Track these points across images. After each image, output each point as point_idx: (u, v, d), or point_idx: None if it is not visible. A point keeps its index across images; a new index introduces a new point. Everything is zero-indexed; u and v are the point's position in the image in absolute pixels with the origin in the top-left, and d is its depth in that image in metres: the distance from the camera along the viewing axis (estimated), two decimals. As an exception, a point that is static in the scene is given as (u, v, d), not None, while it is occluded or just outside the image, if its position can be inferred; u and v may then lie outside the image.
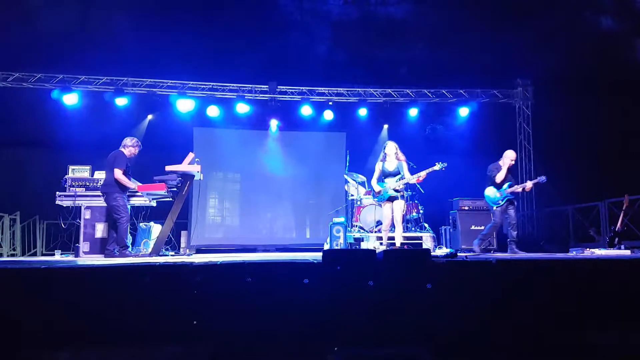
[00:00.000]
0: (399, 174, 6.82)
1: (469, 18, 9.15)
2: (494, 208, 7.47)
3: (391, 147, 6.91)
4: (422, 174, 6.75)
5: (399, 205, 6.78)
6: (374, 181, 7.01)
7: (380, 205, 7.65)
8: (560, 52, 9.35)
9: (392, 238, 7.08)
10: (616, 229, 7.51)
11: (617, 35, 9.28)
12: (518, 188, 7.49)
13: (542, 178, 7.39)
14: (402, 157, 6.91)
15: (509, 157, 7.52)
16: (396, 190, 6.78)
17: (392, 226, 6.95)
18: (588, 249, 7.26)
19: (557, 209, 10.61)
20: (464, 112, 11.63)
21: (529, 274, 4.24)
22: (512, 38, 9.31)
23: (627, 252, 6.84)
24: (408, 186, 9.10)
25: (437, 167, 6.80)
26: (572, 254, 7.07)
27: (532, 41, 9.35)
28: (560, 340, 3.92)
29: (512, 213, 7.40)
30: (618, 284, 4.16)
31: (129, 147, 6.78)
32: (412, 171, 7.03)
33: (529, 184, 7.61)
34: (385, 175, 6.88)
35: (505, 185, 7.42)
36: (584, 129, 10.29)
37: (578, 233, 10.29)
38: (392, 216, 6.84)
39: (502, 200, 7.40)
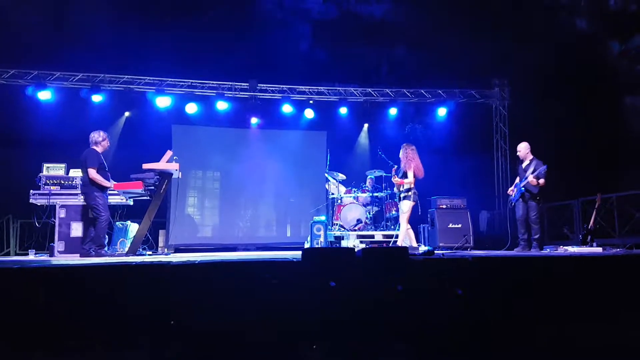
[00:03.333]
0: (402, 177, 7.23)
1: (447, 19, 9.25)
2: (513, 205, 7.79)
3: (401, 152, 7.31)
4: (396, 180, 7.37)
5: (401, 205, 7.22)
6: None
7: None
8: (537, 53, 9.51)
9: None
10: (589, 227, 7.67)
11: (591, 39, 9.48)
12: (528, 181, 7.51)
13: (540, 169, 7.38)
14: (407, 159, 7.17)
15: (518, 151, 7.85)
16: (400, 191, 7.24)
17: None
18: (562, 247, 7.42)
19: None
20: (442, 112, 11.76)
21: (504, 271, 4.32)
22: (489, 39, 9.44)
23: (599, 250, 7.01)
24: (389, 185, 9.26)
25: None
26: (546, 251, 7.23)
27: (509, 42, 9.49)
28: (535, 335, 4.00)
29: (529, 209, 7.49)
30: (591, 281, 4.27)
31: (100, 142, 6.64)
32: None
33: (530, 178, 7.49)
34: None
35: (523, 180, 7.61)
36: (558, 129, 10.48)
37: (552, 231, 10.50)
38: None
39: (518, 194, 7.63)
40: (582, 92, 10.52)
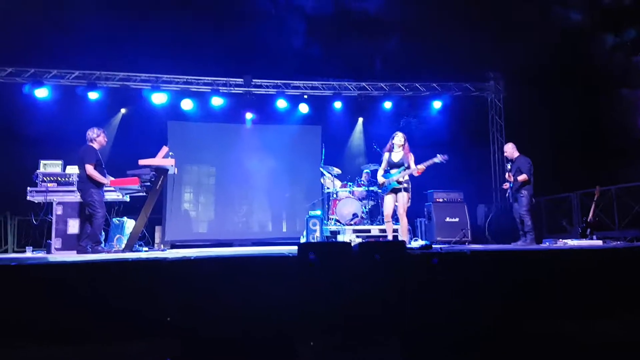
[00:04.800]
0: (404, 165, 6.63)
1: (441, 12, 9.22)
2: None
3: (400, 138, 6.71)
4: (421, 166, 6.54)
5: (402, 198, 6.60)
6: (380, 172, 6.84)
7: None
8: (531, 45, 9.48)
9: (396, 230, 7.08)
10: (588, 220, 7.65)
11: (587, 31, 9.45)
12: (509, 178, 7.67)
13: (523, 166, 7.49)
14: (407, 148, 6.73)
15: (505, 152, 8.01)
16: (399, 182, 6.60)
17: (395, 218, 6.90)
18: (561, 240, 7.42)
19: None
20: (437, 105, 11.76)
21: (503, 264, 4.31)
22: (483, 31, 9.42)
23: (599, 243, 7.00)
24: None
25: (437, 159, 6.53)
26: (545, 244, 7.23)
27: (503, 34, 9.47)
28: (532, 329, 4.00)
29: (519, 204, 7.61)
30: (591, 274, 4.27)
31: (96, 139, 6.65)
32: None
33: (507, 176, 7.75)
34: (390, 166, 6.71)
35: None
36: (555, 121, 10.47)
37: (551, 224, 10.50)
38: (394, 207, 6.73)
39: (511, 193, 7.77)
40: (579, 84, 10.51)
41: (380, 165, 6.94)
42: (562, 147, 10.72)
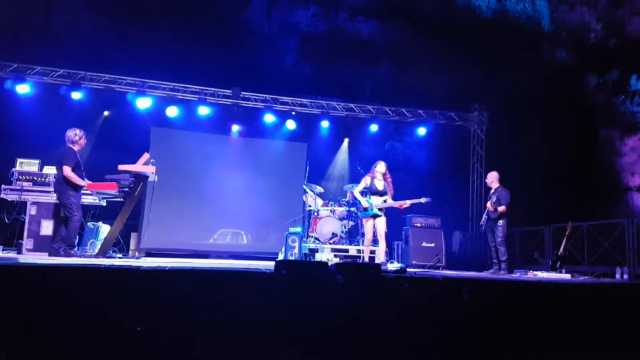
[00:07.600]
0: (386, 194, 7.02)
1: (431, 43, 9.43)
2: None
3: (382, 167, 7.10)
4: (407, 202, 7.01)
5: (383, 223, 7.00)
6: (357, 191, 7.20)
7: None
8: (516, 81, 9.74)
9: (372, 252, 7.41)
10: (559, 253, 7.81)
11: (570, 70, 9.74)
12: (491, 208, 7.73)
13: (502, 198, 7.60)
14: (389, 179, 7.13)
15: (486, 179, 8.12)
16: (379, 209, 6.99)
17: (374, 241, 7.23)
18: (531, 271, 7.55)
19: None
20: (421, 131, 11.92)
21: (474, 292, 4.37)
22: (470, 64, 9.64)
23: (567, 276, 7.16)
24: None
25: (422, 200, 7.10)
26: (516, 275, 7.34)
27: (490, 68, 9.71)
28: (497, 357, 4.05)
29: (495, 233, 7.68)
30: (556, 306, 4.36)
31: (77, 141, 6.55)
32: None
33: (488, 205, 7.77)
34: (372, 192, 7.05)
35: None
36: (533, 155, 10.72)
37: (523, 255, 10.66)
38: (375, 232, 7.06)
39: (485, 221, 7.86)
40: (559, 122, 10.79)
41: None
42: (538, 181, 10.95)
